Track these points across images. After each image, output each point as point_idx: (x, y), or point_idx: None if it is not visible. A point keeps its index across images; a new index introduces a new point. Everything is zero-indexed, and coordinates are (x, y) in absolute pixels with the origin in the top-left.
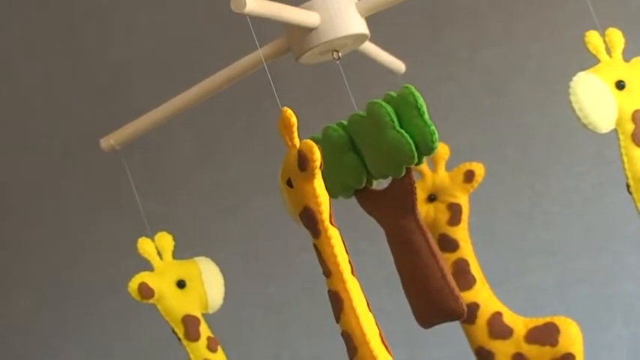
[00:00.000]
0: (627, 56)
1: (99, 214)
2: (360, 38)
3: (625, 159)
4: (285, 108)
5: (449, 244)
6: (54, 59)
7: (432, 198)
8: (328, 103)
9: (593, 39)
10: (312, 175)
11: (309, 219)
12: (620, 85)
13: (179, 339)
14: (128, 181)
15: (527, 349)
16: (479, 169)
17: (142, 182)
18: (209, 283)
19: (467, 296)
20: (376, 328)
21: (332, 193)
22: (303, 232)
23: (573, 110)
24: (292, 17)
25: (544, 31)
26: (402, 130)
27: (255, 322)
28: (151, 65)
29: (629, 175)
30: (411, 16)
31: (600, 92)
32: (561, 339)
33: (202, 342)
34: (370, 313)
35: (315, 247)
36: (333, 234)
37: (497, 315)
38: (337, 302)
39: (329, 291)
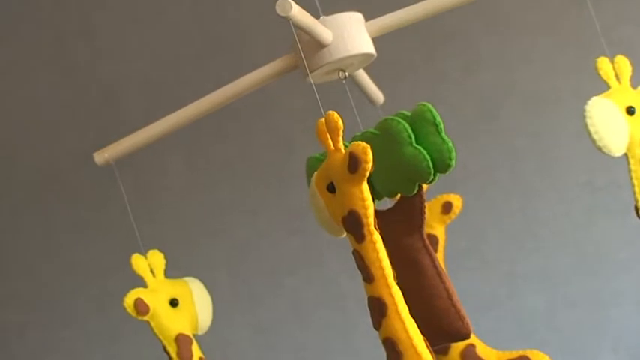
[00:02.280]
0: None
1: (86, 233)
2: (366, 58)
3: (635, 182)
4: (331, 111)
5: None
6: (43, 76)
7: None
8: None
9: (604, 65)
10: (362, 178)
11: (355, 223)
12: (630, 111)
13: (171, 358)
14: (116, 199)
15: None
16: (456, 200)
17: (130, 203)
18: (199, 303)
19: None
20: (420, 334)
21: None
22: (291, 254)
23: (589, 133)
24: (319, 32)
25: (536, 56)
26: (419, 147)
27: (242, 344)
28: (140, 84)
29: (639, 199)
30: (403, 38)
31: (614, 116)
32: None
33: None
34: (413, 320)
35: (357, 252)
36: (378, 239)
37: (471, 347)
38: (380, 308)
39: (370, 297)
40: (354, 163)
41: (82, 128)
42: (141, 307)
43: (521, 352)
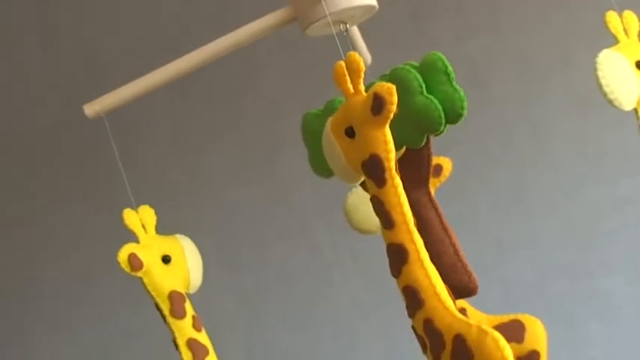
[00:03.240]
0: None
1: (68, 199)
2: (368, 10)
3: None
4: (352, 52)
5: None
6: (26, 39)
7: None
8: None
9: (613, 20)
10: (386, 120)
11: (376, 167)
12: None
13: (163, 316)
14: (101, 161)
15: None
16: (447, 163)
17: (117, 171)
18: (191, 261)
19: None
20: (442, 282)
21: (331, 170)
22: (278, 223)
23: (600, 86)
24: None
25: (527, 25)
26: (431, 97)
27: (228, 311)
28: (126, 46)
29: None
30: (395, 6)
31: (625, 70)
32: (527, 336)
33: (188, 320)
34: (434, 268)
35: (376, 198)
36: (399, 183)
37: (462, 311)
38: (400, 255)
39: (390, 244)
40: (378, 104)
41: (65, 92)
42: (135, 262)
43: (512, 317)
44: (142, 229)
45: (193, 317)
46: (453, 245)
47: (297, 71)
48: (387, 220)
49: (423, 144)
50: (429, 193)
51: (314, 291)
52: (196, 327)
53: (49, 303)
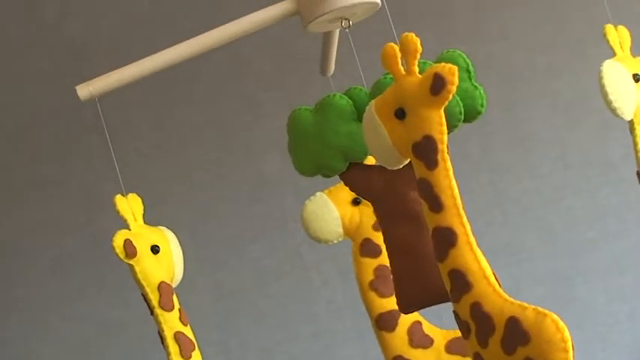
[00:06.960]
0: None
1: (46, 191)
2: (370, 8)
3: (639, 149)
4: (409, 33)
5: (371, 250)
6: (12, 34)
7: (357, 201)
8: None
9: (611, 33)
10: (445, 101)
11: (429, 148)
12: (636, 78)
13: (151, 308)
14: (80, 157)
15: (448, 359)
16: None
17: (96, 164)
18: (175, 254)
19: (387, 304)
20: (489, 266)
21: (321, 167)
22: (254, 222)
23: (604, 94)
24: None
25: (511, 31)
26: None
27: (203, 309)
28: (109, 41)
29: None
30: (379, 11)
31: (626, 80)
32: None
33: (175, 313)
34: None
35: (425, 180)
36: (450, 166)
37: (417, 324)
38: (448, 238)
39: (436, 228)
40: (438, 84)
41: (50, 87)
42: (129, 249)
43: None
44: (132, 216)
45: (180, 310)
46: None
47: (280, 71)
48: (436, 203)
49: None
50: None
51: (290, 290)
52: (183, 321)
53: (22, 296)
